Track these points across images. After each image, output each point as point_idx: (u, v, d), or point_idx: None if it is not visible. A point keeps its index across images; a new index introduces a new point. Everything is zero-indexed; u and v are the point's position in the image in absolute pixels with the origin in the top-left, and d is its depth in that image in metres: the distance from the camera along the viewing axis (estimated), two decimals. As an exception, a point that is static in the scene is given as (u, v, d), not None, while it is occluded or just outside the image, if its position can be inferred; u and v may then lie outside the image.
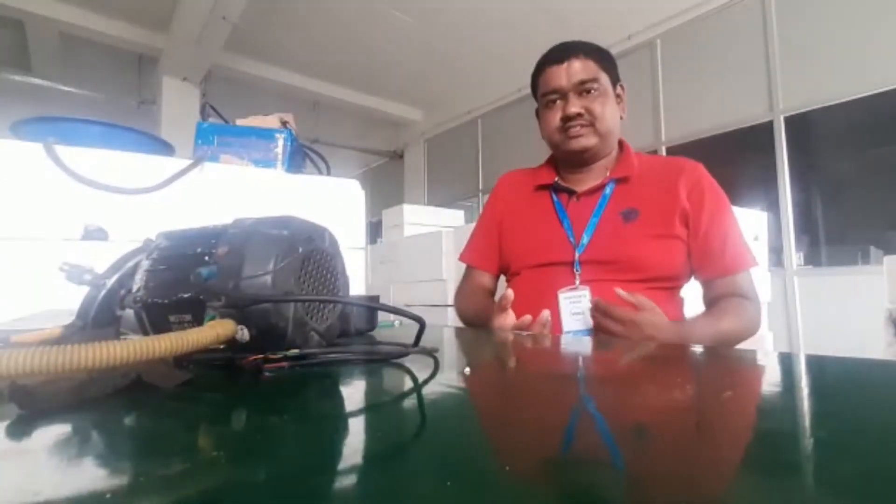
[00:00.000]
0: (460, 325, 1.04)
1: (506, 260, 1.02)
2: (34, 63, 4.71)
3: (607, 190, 0.94)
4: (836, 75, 3.03)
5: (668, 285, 0.91)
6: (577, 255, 0.90)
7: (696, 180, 0.92)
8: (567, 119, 0.93)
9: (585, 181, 0.98)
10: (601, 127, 0.93)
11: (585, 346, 0.61)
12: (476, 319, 0.99)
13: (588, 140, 0.93)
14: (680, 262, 0.90)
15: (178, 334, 0.31)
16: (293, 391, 0.36)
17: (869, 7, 2.92)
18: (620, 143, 1.02)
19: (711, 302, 0.90)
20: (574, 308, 0.86)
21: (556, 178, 1.00)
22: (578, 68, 0.92)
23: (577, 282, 0.88)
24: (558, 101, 0.95)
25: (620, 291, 0.79)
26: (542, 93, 0.97)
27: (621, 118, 0.98)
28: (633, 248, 0.88)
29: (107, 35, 4.37)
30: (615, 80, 0.97)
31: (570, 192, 0.97)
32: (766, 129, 3.33)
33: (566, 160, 1.00)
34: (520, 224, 1.01)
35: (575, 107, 0.92)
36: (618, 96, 0.98)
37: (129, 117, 5.22)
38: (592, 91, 0.92)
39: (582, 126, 0.93)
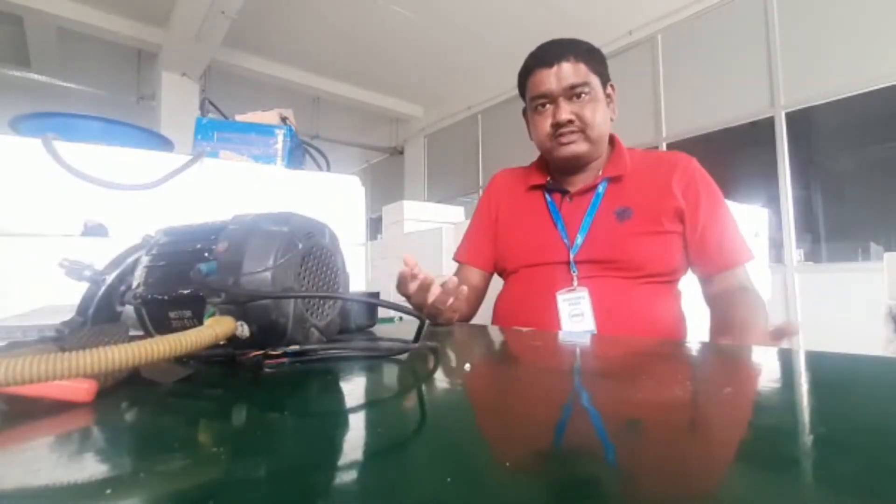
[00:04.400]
0: (460, 321, 1.04)
1: (502, 259, 1.02)
2: (33, 58, 4.70)
3: (600, 189, 0.93)
4: (837, 71, 3.02)
5: (665, 279, 0.91)
6: (571, 255, 0.89)
7: (690, 176, 0.91)
8: (557, 125, 0.91)
9: (577, 182, 0.97)
10: (592, 133, 0.91)
11: (585, 342, 0.61)
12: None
13: (579, 147, 0.91)
14: (676, 256, 0.90)
15: (175, 336, 0.31)
16: (293, 387, 0.36)
17: (870, 3, 2.91)
18: (612, 140, 1.00)
19: (714, 297, 0.90)
20: (573, 310, 0.86)
21: (548, 179, 0.99)
22: (569, 72, 0.90)
23: (575, 282, 0.88)
24: (548, 106, 0.92)
25: None
26: (532, 96, 0.95)
27: (612, 119, 0.96)
28: (629, 246, 0.87)
29: (106, 30, 4.35)
30: (606, 80, 0.95)
31: (563, 192, 0.96)
32: (767, 125, 3.33)
33: (557, 166, 0.98)
34: (514, 224, 1.01)
35: (565, 113, 0.89)
36: (608, 97, 0.95)
37: (128, 113, 5.21)
38: (583, 96, 0.90)
39: (572, 132, 0.91)
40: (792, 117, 3.23)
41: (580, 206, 0.94)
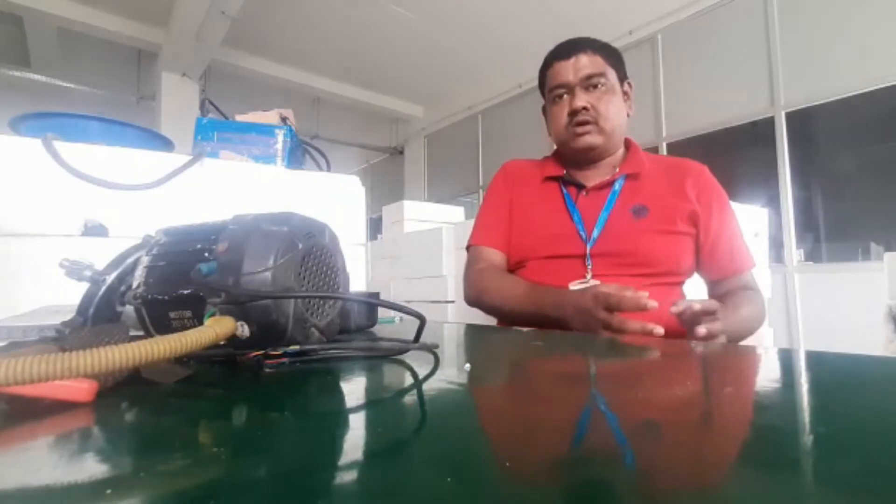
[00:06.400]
0: (460, 321, 1.03)
1: (514, 249, 1.01)
2: (33, 59, 4.70)
3: (617, 185, 0.95)
4: (837, 71, 3.02)
5: (675, 280, 0.93)
6: (588, 248, 0.90)
7: (704, 182, 0.94)
8: (573, 113, 0.93)
9: (593, 177, 0.98)
10: (606, 125, 0.93)
11: (586, 342, 0.61)
12: (505, 309, 0.91)
13: (594, 138, 0.94)
14: (688, 257, 0.92)
15: (176, 336, 0.31)
16: (293, 387, 0.36)
17: (870, 3, 2.91)
18: (627, 142, 1.02)
19: (720, 298, 0.91)
20: None
21: (565, 172, 1.00)
22: (586, 63, 0.93)
23: (589, 276, 0.89)
24: (565, 96, 0.95)
25: (674, 309, 0.69)
26: (550, 87, 0.98)
27: (628, 115, 0.98)
28: (644, 242, 0.89)
29: (106, 30, 4.36)
30: (623, 76, 0.98)
31: (579, 186, 0.97)
32: (768, 125, 3.33)
33: (572, 157, 1.00)
34: (529, 214, 1.00)
35: (581, 101, 0.92)
36: (625, 93, 0.98)
37: (128, 113, 5.21)
38: (599, 86, 0.93)
39: (588, 123, 0.93)
40: (792, 117, 3.23)
41: (596, 201, 0.94)
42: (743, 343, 0.83)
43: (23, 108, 1.00)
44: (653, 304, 0.67)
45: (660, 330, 0.67)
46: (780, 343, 2.97)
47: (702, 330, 0.68)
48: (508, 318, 0.93)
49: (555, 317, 0.79)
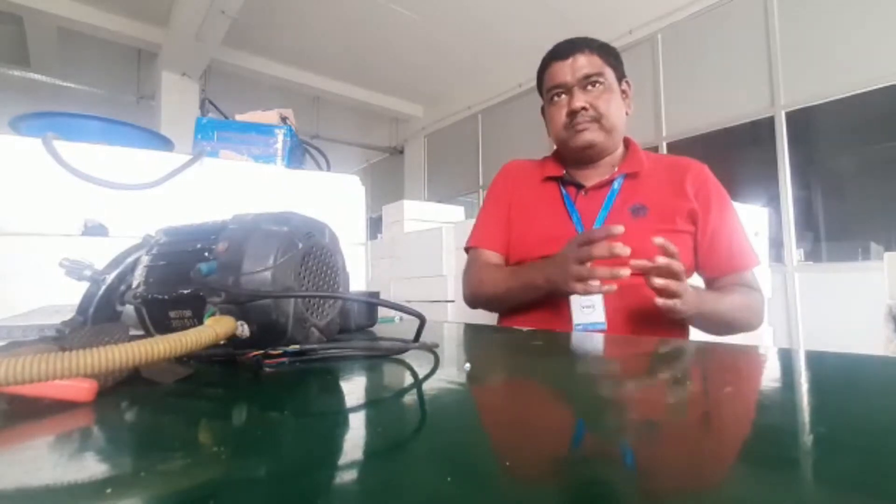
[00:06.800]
0: (460, 321, 1.03)
1: (513, 249, 1.01)
2: (33, 58, 4.70)
3: (616, 185, 0.95)
4: (837, 71, 3.02)
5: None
6: None
7: (703, 180, 0.94)
8: (572, 114, 0.93)
9: (592, 176, 0.98)
10: (606, 123, 0.93)
11: (587, 342, 0.61)
12: (499, 293, 0.93)
13: (593, 135, 0.93)
14: (688, 256, 0.91)
15: (176, 336, 0.31)
16: (293, 387, 0.36)
17: (870, 3, 2.91)
18: (627, 142, 1.02)
19: None
20: (584, 301, 0.86)
21: (564, 172, 1.00)
22: (583, 63, 0.93)
23: None
24: (563, 97, 0.95)
25: (658, 239, 0.74)
26: (548, 88, 0.98)
27: (627, 114, 0.98)
28: (643, 242, 0.88)
29: (106, 30, 4.36)
30: (621, 75, 0.98)
31: (579, 186, 0.97)
32: (767, 125, 3.33)
33: (572, 156, 1.00)
34: (528, 214, 1.00)
35: (580, 101, 0.92)
36: (623, 92, 0.98)
37: (128, 112, 5.22)
38: (597, 85, 0.93)
39: (587, 121, 0.93)
40: (792, 117, 3.23)
41: (595, 201, 0.94)
42: (743, 343, 0.83)
43: (23, 108, 1.00)
44: (619, 228, 0.73)
45: (626, 271, 0.72)
46: (780, 343, 2.97)
47: (657, 261, 0.73)
48: (505, 303, 0.95)
49: (543, 280, 0.83)
